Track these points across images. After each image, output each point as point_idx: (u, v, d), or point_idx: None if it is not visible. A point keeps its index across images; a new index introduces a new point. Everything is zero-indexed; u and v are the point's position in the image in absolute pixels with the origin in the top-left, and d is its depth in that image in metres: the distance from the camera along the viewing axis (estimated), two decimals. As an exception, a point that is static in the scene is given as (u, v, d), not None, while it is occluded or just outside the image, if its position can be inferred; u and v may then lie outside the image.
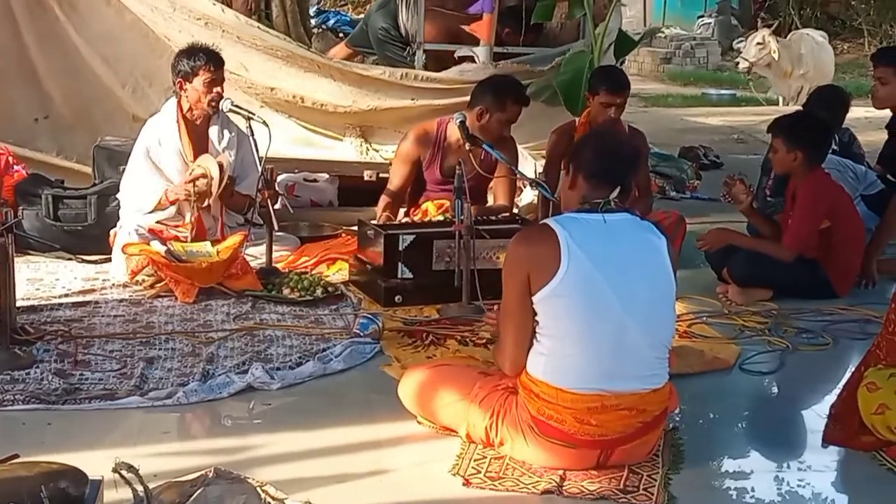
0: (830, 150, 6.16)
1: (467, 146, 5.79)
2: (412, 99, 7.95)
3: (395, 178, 6.16)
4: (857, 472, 3.83)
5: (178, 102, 5.87)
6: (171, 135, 5.84)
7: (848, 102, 7.20)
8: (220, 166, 5.67)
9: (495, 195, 6.23)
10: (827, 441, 3.99)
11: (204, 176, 5.67)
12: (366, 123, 8.09)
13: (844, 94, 7.36)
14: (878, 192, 6.62)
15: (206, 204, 5.75)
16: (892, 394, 3.81)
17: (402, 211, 6.27)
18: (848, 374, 4.16)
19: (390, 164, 6.45)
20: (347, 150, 8.05)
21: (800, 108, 7.99)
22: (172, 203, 5.78)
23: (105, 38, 7.55)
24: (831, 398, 4.17)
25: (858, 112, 12.78)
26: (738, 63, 15.73)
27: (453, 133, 6.05)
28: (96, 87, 7.56)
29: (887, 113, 6.95)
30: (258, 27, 7.94)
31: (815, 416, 4.21)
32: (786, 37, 16.53)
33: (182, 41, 6.91)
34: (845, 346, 5.08)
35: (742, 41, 23.22)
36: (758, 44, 14.93)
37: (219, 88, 5.82)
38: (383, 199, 6.11)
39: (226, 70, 5.94)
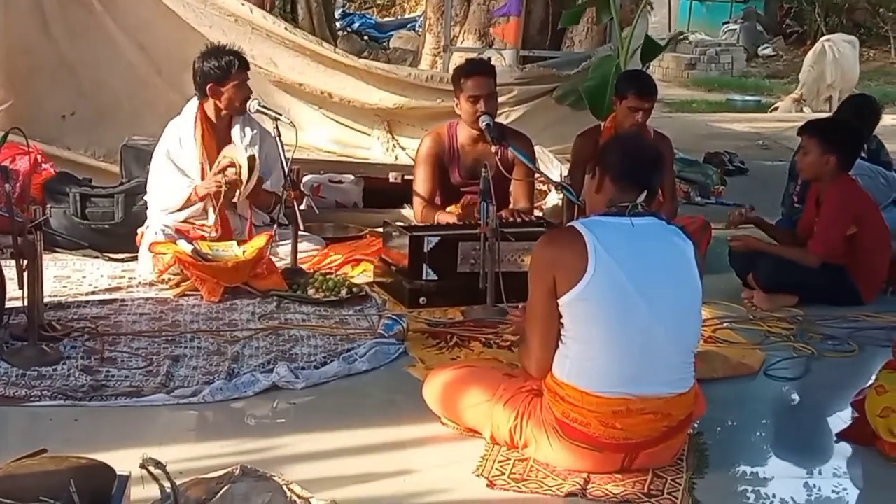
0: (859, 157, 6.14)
1: (493, 148, 5.81)
2: (438, 100, 7.98)
3: (422, 184, 6.14)
4: (878, 477, 3.82)
5: (201, 104, 5.90)
6: (191, 136, 5.88)
7: (879, 112, 7.19)
8: (251, 160, 5.70)
9: (515, 198, 6.22)
10: (840, 437, 4.03)
11: (232, 165, 5.69)
12: (393, 118, 8.14)
13: (876, 103, 7.33)
14: (909, 198, 6.61)
15: (236, 196, 5.76)
16: None
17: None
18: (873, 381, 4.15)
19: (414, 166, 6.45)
20: (374, 144, 8.09)
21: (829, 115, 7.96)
22: (202, 199, 5.80)
23: (142, 26, 7.68)
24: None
25: (886, 120, 12.73)
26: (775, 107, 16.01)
27: (463, 134, 6.07)
28: (129, 79, 7.65)
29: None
30: (285, 27, 8.00)
31: (840, 423, 4.19)
32: (809, 43, 16.62)
33: (213, 36, 6.99)
34: (871, 354, 5.05)
35: (767, 47, 23.26)
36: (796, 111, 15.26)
37: (247, 90, 5.85)
38: (421, 204, 6.11)
39: (255, 65, 5.96)
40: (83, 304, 5.27)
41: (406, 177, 7.05)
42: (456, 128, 6.12)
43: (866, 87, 16.71)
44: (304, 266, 5.83)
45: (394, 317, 4.97)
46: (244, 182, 5.70)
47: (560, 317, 3.56)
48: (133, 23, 7.65)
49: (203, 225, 5.86)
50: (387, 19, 23.63)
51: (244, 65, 5.87)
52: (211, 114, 5.91)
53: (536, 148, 6.58)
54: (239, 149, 5.77)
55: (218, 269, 5.44)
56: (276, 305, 5.34)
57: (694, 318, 3.67)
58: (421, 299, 5.41)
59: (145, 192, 6.02)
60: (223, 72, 5.79)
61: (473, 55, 8.72)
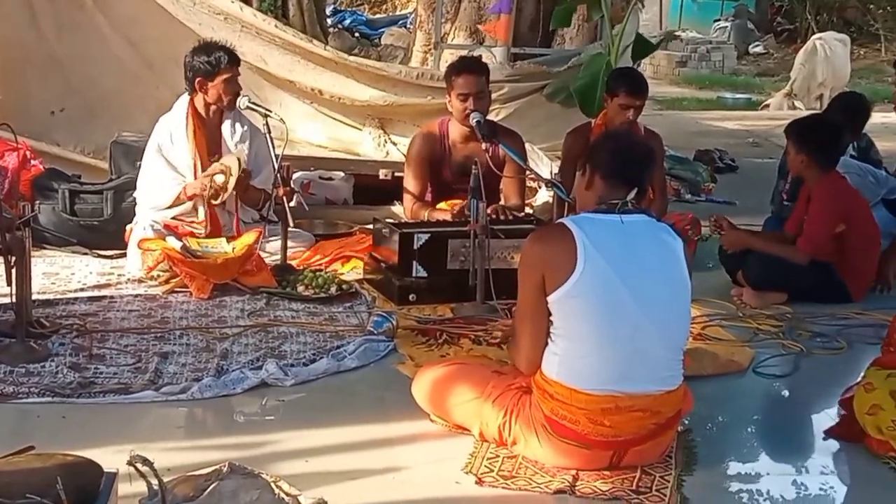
0: (849, 155, 6.15)
1: (484, 145, 5.80)
2: (428, 97, 7.98)
3: (413, 180, 6.14)
4: (866, 474, 3.83)
5: (191, 100, 5.89)
6: (182, 132, 5.87)
7: (869, 110, 7.18)
8: (238, 161, 5.70)
9: (506, 195, 6.22)
10: (828, 434, 4.04)
11: (222, 172, 5.69)
12: (384, 115, 8.14)
13: (865, 101, 7.33)
14: (899, 196, 6.60)
15: (220, 200, 5.77)
16: (886, 395, 3.84)
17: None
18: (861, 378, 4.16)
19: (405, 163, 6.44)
20: (366, 140, 8.08)
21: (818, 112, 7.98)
22: (190, 198, 5.79)
23: (132, 22, 7.69)
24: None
25: (875, 118, 12.77)
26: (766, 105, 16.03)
27: (455, 131, 6.07)
28: (118, 75, 7.66)
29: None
30: (276, 25, 7.99)
31: (828, 420, 4.20)
32: (800, 41, 16.63)
33: (203, 33, 6.98)
34: (859, 351, 5.06)
35: (758, 45, 23.29)
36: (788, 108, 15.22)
37: (236, 86, 5.85)
38: (412, 201, 6.10)
39: (245, 63, 5.96)
40: (72, 301, 5.26)
41: (396, 174, 7.05)
42: (448, 125, 6.12)
43: (857, 85, 16.74)
44: (293, 263, 5.82)
45: (383, 314, 4.95)
46: (227, 190, 5.70)
47: (549, 314, 3.56)
48: (123, 19, 7.66)
49: (192, 221, 5.85)
50: (378, 16, 23.57)
51: (233, 60, 5.86)
52: (201, 109, 5.90)
53: (527, 145, 6.58)
54: (234, 158, 5.75)
55: (207, 266, 5.43)
56: (266, 302, 5.33)
57: (683, 316, 3.67)
58: (410, 296, 5.40)
59: (135, 189, 6.01)
60: (212, 67, 5.78)
61: (464, 52, 8.71)
